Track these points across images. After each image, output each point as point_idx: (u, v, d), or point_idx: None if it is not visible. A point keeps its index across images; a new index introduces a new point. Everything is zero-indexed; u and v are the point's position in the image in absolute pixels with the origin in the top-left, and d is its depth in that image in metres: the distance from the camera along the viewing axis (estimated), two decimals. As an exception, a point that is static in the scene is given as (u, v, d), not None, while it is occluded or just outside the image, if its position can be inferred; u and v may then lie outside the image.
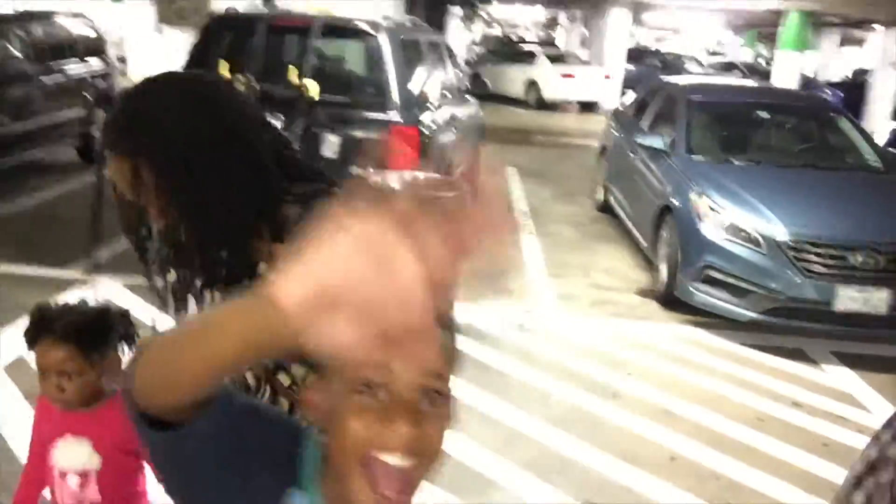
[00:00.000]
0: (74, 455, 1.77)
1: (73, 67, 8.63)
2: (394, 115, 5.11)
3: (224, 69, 4.80)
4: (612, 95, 18.17)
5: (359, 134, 5.09)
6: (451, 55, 7.58)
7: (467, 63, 21.59)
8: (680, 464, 3.43)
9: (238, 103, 1.29)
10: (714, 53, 33.05)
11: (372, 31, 5.22)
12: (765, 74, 20.22)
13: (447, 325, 0.83)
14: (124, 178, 1.20)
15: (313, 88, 4.86)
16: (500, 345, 4.55)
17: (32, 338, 1.72)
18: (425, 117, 5.47)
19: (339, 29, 5.35)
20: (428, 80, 6.07)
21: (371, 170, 4.01)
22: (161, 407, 0.75)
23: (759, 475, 3.37)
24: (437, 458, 0.82)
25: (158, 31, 18.25)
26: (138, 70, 10.54)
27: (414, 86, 5.60)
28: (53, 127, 7.99)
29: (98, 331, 1.73)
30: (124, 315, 1.79)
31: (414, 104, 5.39)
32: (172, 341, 0.73)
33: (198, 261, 1.29)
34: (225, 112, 1.23)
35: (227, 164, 1.20)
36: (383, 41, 5.16)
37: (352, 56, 5.59)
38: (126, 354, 1.77)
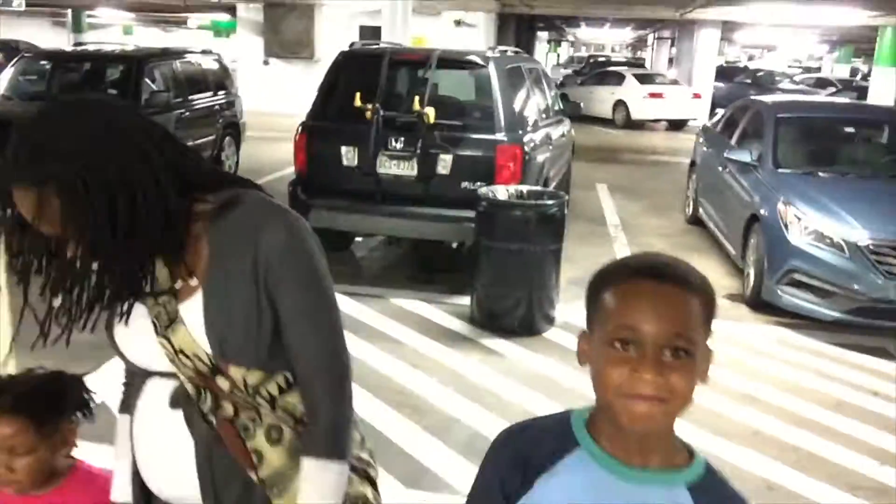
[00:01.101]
0: None
1: (204, 98, 9.67)
2: (500, 136, 5.73)
3: (358, 100, 5.54)
4: (702, 114, 18.35)
5: (469, 153, 5.74)
6: (547, 79, 8.19)
7: (556, 85, 22.10)
8: (762, 437, 3.86)
9: (137, 121, 1.27)
10: (807, 70, 32.46)
11: (481, 63, 5.89)
12: (861, 91, 19.94)
13: (707, 291, 1.05)
14: (29, 208, 1.17)
15: (430, 114, 5.54)
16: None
17: None
18: (526, 137, 6.07)
19: (452, 61, 6.02)
20: (527, 103, 6.68)
21: (479, 184, 4.74)
22: None
23: (836, 449, 3.77)
24: (682, 401, 0.99)
25: (266, 62, 19.65)
26: (249, 99, 11.47)
27: (516, 108, 6.22)
28: (190, 151, 8.96)
29: (51, 399, 1.57)
30: (79, 381, 1.64)
31: (517, 125, 6.00)
32: None
33: (96, 280, 1.25)
34: (125, 131, 1.23)
35: (130, 183, 1.19)
36: (491, 71, 5.81)
37: (463, 84, 6.24)
38: (81, 423, 1.64)
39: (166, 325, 1.27)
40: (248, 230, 1.25)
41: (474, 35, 18.05)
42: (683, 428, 3.60)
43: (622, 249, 7.36)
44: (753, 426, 3.98)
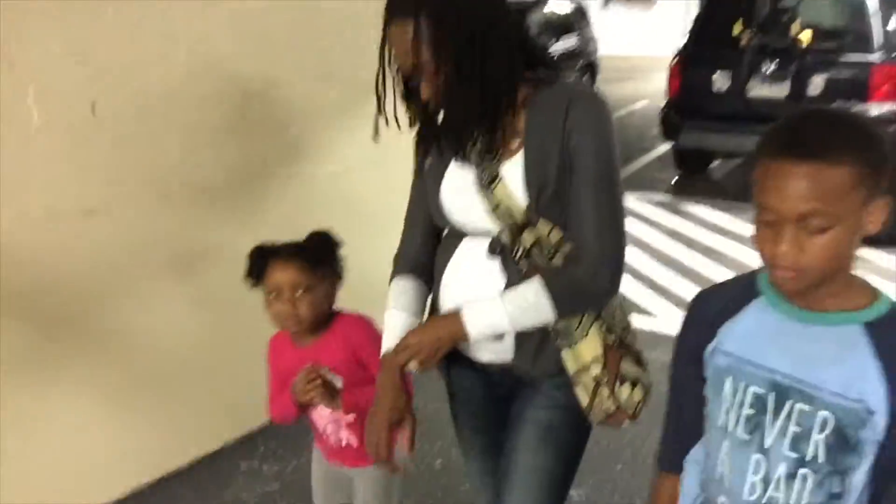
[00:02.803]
0: None
1: (568, 39, 10.77)
2: (876, 56, 5.94)
3: (737, 27, 6.14)
4: None
5: (841, 74, 6.04)
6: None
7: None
8: None
9: None
10: None
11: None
12: None
13: (852, 156, 0.97)
14: (404, 41, 1.30)
15: (805, 38, 5.94)
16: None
17: (261, 267, 1.80)
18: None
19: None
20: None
21: (852, 102, 5.23)
22: None
23: None
24: (821, 269, 1.01)
25: (605, 5, 20.38)
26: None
27: (893, 30, 6.31)
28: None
29: (318, 249, 1.83)
30: (337, 242, 1.87)
31: (894, 47, 6.12)
32: None
33: (455, 129, 1.40)
34: None
35: (494, 38, 1.32)
36: (870, -8, 6.00)
37: (838, 9, 6.45)
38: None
39: (489, 181, 1.41)
40: (563, 101, 1.37)
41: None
42: None
43: None
44: None
